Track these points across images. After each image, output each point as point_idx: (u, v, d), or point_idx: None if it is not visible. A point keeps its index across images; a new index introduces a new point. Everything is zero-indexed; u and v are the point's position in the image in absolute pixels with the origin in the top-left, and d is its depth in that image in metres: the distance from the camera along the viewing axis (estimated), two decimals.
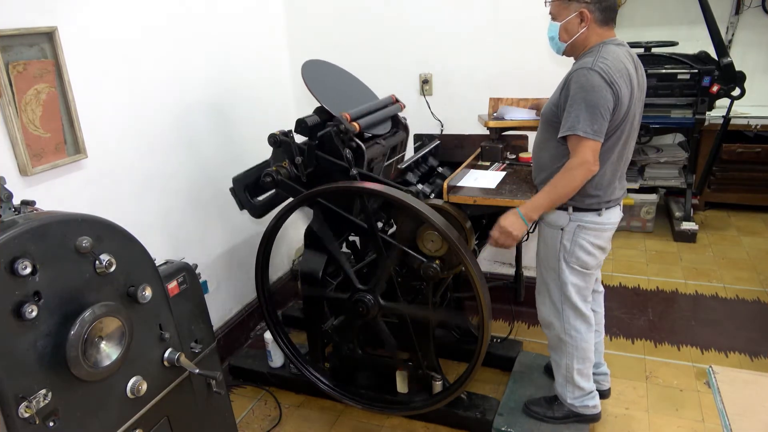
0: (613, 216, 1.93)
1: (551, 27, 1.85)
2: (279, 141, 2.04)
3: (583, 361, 2.05)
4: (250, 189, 2.20)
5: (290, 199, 2.09)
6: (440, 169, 2.19)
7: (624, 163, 1.90)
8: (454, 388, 2.04)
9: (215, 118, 2.55)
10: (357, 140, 2.02)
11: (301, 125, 2.02)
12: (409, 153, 2.45)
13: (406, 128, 2.37)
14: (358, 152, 2.02)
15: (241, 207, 2.20)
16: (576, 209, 1.88)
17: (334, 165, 2.01)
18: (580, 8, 1.76)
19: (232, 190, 2.19)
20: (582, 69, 1.71)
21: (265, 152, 2.21)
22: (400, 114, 2.35)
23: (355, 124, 1.97)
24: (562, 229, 1.91)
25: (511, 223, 1.84)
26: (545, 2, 1.86)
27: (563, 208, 1.89)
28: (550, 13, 1.85)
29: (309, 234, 2.15)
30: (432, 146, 2.38)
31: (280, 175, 2.04)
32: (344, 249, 2.28)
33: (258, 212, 2.23)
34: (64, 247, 1.12)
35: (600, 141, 1.73)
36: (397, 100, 2.34)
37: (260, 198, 2.24)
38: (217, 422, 1.61)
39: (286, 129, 2.09)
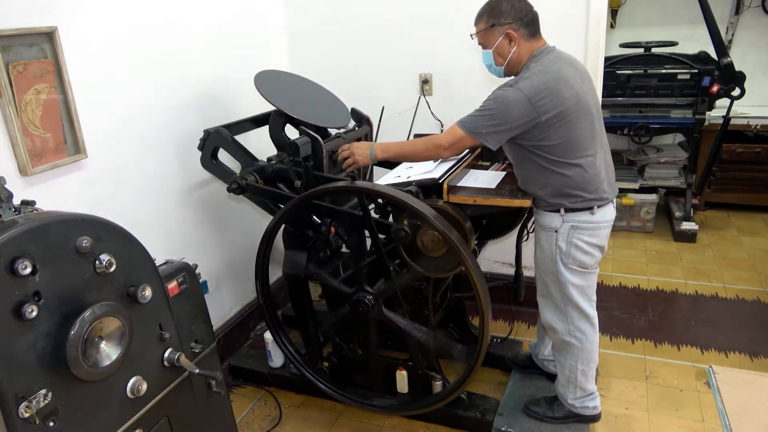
0: (608, 214, 1.92)
1: (485, 56, 1.91)
2: (276, 170, 2.11)
3: (587, 363, 2.05)
4: (216, 152, 2.24)
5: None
6: None
7: (601, 159, 1.88)
8: (454, 388, 2.04)
9: (215, 118, 2.54)
10: (312, 133, 2.06)
11: (293, 147, 2.06)
12: None
13: (369, 122, 2.44)
14: (316, 144, 2.06)
15: (200, 149, 2.22)
16: (567, 210, 1.88)
17: (329, 180, 2.02)
18: (504, 30, 1.81)
19: (206, 135, 2.20)
20: (505, 85, 1.79)
21: (264, 153, 2.21)
22: (363, 111, 2.44)
23: None
24: (556, 231, 1.91)
25: (358, 147, 2.02)
26: (471, 36, 1.91)
27: (555, 210, 1.90)
28: (480, 44, 1.90)
29: (287, 235, 2.16)
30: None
31: (245, 181, 2.08)
32: (345, 249, 2.28)
33: (209, 167, 2.25)
34: (64, 247, 1.12)
35: (471, 139, 1.81)
36: None
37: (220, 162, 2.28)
38: (217, 422, 1.61)
39: (285, 129, 2.10)
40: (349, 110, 2.47)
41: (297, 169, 2.05)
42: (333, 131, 2.35)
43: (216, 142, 2.21)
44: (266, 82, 2.24)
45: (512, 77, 1.87)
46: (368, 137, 2.44)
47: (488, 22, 1.83)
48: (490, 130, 1.78)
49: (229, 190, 2.10)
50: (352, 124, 2.43)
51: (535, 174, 1.88)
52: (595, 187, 1.86)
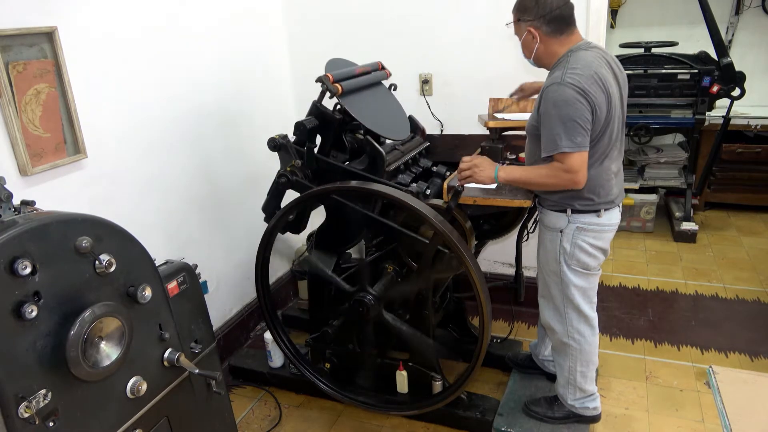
0: (614, 217, 1.92)
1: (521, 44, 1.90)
2: (278, 144, 2.05)
3: (586, 364, 2.05)
4: (278, 208, 2.18)
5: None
6: (435, 168, 2.19)
7: (616, 163, 1.89)
8: (454, 388, 2.04)
9: (215, 118, 2.55)
10: (376, 144, 2.02)
11: (300, 128, 2.03)
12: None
13: (423, 133, 2.38)
14: (378, 158, 2.01)
15: (283, 232, 2.18)
16: (574, 211, 1.88)
17: (333, 167, 2.01)
18: (527, 27, 1.80)
19: (267, 220, 2.17)
20: (553, 85, 1.72)
21: (264, 152, 2.21)
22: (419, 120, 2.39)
23: (338, 85, 1.97)
24: (561, 231, 1.91)
25: (482, 163, 1.87)
26: (506, 24, 1.90)
27: (561, 210, 1.89)
28: (516, 33, 1.89)
29: (322, 234, 2.15)
30: (422, 147, 2.37)
31: (295, 176, 2.04)
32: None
33: (299, 228, 2.21)
34: (64, 247, 1.12)
35: (585, 151, 1.72)
36: (383, 67, 2.33)
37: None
38: (217, 422, 1.61)
39: (286, 129, 2.09)
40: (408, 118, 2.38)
41: (299, 148, 2.03)
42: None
43: (270, 209, 2.18)
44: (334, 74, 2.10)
45: (553, 74, 1.80)
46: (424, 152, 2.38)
47: (516, 15, 1.83)
48: (582, 135, 1.70)
49: (277, 177, 2.07)
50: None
51: None
52: (606, 191, 1.86)
